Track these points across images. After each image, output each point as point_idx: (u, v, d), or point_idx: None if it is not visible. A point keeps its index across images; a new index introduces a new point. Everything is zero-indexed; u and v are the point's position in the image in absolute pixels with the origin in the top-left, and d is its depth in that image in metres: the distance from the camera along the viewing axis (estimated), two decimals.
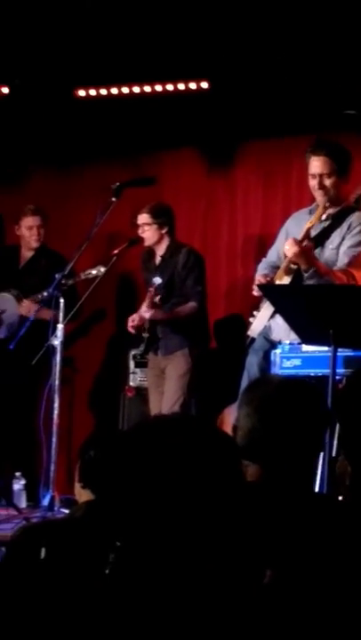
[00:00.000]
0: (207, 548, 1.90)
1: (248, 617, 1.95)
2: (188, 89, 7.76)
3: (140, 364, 7.52)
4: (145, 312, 6.85)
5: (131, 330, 7.01)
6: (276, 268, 6.41)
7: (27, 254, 7.69)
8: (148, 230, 7.08)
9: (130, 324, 7.00)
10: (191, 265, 7.05)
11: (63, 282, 6.59)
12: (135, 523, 1.94)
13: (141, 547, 1.94)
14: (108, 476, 3.14)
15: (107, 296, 7.98)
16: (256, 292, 6.02)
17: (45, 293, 6.53)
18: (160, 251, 7.15)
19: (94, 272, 6.76)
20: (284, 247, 5.90)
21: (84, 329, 8.06)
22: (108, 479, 3.10)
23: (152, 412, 7.06)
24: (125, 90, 7.92)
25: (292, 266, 5.86)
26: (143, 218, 7.09)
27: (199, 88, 7.72)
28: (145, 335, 6.97)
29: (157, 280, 6.86)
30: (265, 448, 2.67)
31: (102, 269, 6.70)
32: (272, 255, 6.48)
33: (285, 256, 5.94)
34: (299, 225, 6.23)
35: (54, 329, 6.41)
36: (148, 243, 7.13)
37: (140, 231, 7.10)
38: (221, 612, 1.89)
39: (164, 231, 7.09)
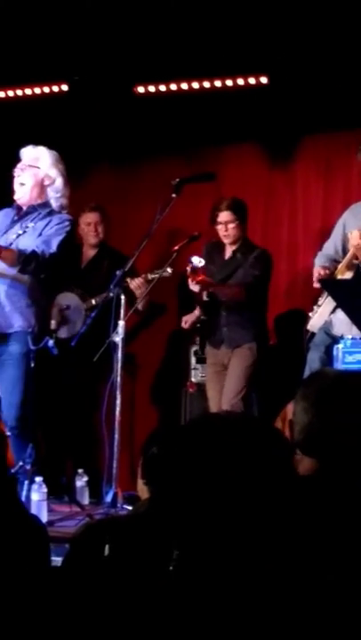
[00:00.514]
0: (264, 544, 1.89)
1: (309, 608, 1.94)
2: (247, 84, 7.73)
3: (202, 359, 7.52)
4: (193, 286, 6.85)
5: (183, 325, 7.07)
6: (333, 261, 6.37)
7: (88, 253, 7.72)
8: (233, 227, 7.08)
9: (183, 320, 7.07)
10: (259, 263, 7.04)
11: (124, 279, 6.59)
12: (194, 519, 1.93)
13: (202, 543, 1.93)
14: (169, 472, 3.14)
15: (168, 292, 7.98)
16: (317, 285, 6.00)
17: (111, 294, 6.53)
18: (233, 247, 7.15)
19: (161, 273, 6.73)
20: (351, 237, 5.87)
21: (145, 325, 8.07)
22: (169, 476, 3.10)
23: (211, 408, 7.05)
24: (185, 86, 7.92)
25: (355, 261, 5.82)
26: (226, 215, 7.08)
27: (258, 83, 7.69)
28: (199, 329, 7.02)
29: (195, 260, 6.79)
30: (322, 443, 2.65)
31: (169, 270, 6.68)
32: (329, 248, 6.44)
33: (344, 251, 5.91)
34: (356, 217, 6.19)
35: (115, 325, 6.42)
36: (231, 240, 7.12)
37: (222, 229, 7.09)
38: (282, 605, 1.89)
39: (244, 227, 7.11)
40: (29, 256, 6.22)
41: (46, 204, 6.54)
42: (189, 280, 6.83)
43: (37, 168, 6.51)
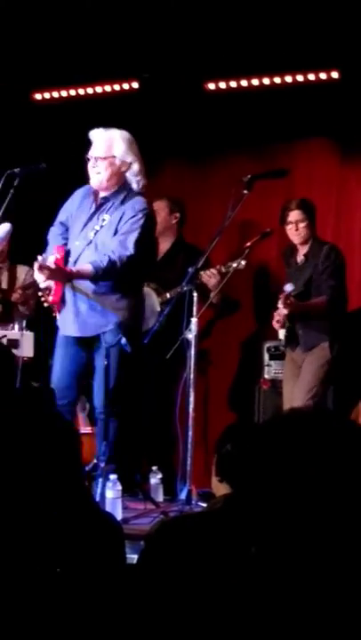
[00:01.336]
0: (346, 543, 1.88)
1: None
2: (318, 79, 7.69)
3: (275, 356, 7.50)
4: (281, 311, 6.91)
5: (275, 325, 7.06)
6: None
7: (163, 247, 7.73)
8: (303, 227, 7.07)
9: (275, 324, 7.06)
10: (330, 261, 7.01)
11: (196, 275, 6.60)
12: (273, 517, 1.92)
13: (281, 541, 1.92)
14: (245, 469, 3.13)
15: (241, 288, 7.96)
16: None
17: (185, 288, 6.54)
18: (303, 249, 7.13)
19: (235, 265, 6.75)
20: None
21: (218, 322, 8.07)
22: (245, 473, 3.09)
23: (285, 406, 7.03)
24: (255, 82, 7.90)
25: None
26: (296, 215, 7.07)
27: (330, 78, 7.65)
28: (286, 326, 7.01)
29: (288, 287, 6.87)
30: None
31: (243, 262, 6.69)
32: None
33: None
34: None
35: (188, 323, 6.42)
36: (301, 240, 7.11)
37: (292, 228, 7.08)
38: None
39: (313, 227, 7.09)
40: (107, 269, 6.22)
41: (120, 190, 6.49)
42: (280, 304, 6.85)
43: (113, 157, 6.45)
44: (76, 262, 6.38)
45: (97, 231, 6.34)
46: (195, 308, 6.45)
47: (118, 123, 7.76)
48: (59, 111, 8.37)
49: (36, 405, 1.99)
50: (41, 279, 6.39)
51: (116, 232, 6.35)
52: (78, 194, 6.64)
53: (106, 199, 6.46)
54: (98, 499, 6.00)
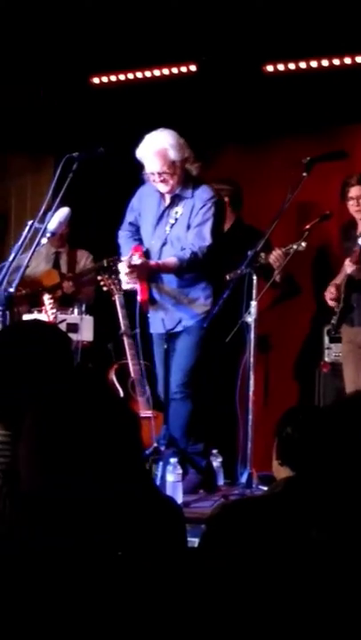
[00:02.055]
0: None
1: None
2: None
3: (335, 339, 7.45)
4: (348, 266, 6.83)
5: (330, 302, 7.00)
6: None
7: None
8: None
9: (328, 296, 6.99)
10: None
11: (256, 259, 6.58)
12: (334, 500, 1.91)
13: (342, 525, 1.91)
14: (307, 453, 3.11)
15: (300, 271, 7.92)
16: None
17: (245, 271, 6.53)
18: None
19: (295, 247, 6.72)
20: None
21: (277, 305, 8.04)
22: (307, 456, 3.08)
23: (347, 387, 6.99)
24: (314, 64, 7.84)
25: None
26: (357, 190, 7.03)
27: None
28: (340, 306, 6.94)
29: None
30: None
31: (303, 244, 6.66)
32: None
33: None
34: None
35: (248, 306, 6.41)
36: None
37: (353, 204, 7.03)
38: None
39: None
40: (191, 261, 6.33)
41: (186, 183, 6.53)
42: (349, 261, 6.80)
43: (173, 163, 6.47)
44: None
45: (172, 225, 6.42)
46: (254, 291, 6.43)
47: (176, 106, 7.76)
48: (117, 95, 8.37)
49: (94, 389, 1.99)
50: (126, 280, 6.48)
51: (189, 226, 6.42)
52: (143, 192, 6.71)
53: (175, 196, 6.51)
54: (158, 482, 6.02)
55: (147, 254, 6.57)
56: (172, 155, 6.44)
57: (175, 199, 6.52)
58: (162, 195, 6.56)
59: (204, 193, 6.48)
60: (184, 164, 6.48)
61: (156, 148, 6.46)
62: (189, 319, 6.50)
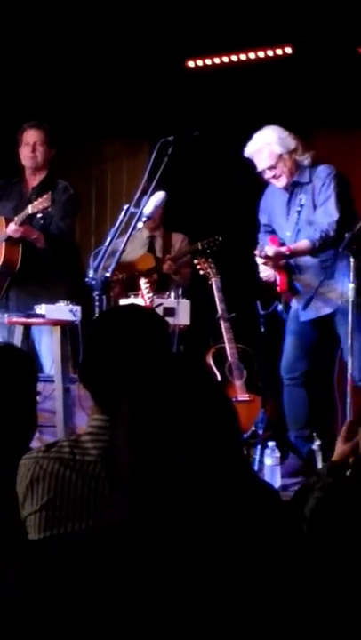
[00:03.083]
0: None
1: None
2: None
3: None
4: None
5: None
6: None
7: None
8: None
9: None
10: None
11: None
12: None
13: None
14: None
15: None
16: None
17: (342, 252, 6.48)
18: None
19: None
20: None
21: None
22: None
23: None
24: None
25: None
26: None
27: None
28: None
29: None
30: None
31: None
32: None
33: None
34: None
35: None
36: None
37: None
38: None
39: None
40: (322, 239, 6.30)
41: (302, 170, 6.51)
42: None
43: (279, 156, 6.45)
44: None
45: (299, 212, 6.41)
46: (351, 274, 6.36)
47: (273, 88, 7.71)
48: (211, 78, 8.35)
49: (191, 373, 1.98)
50: (264, 270, 6.48)
51: (315, 207, 6.39)
52: (267, 191, 6.76)
53: (295, 183, 6.50)
54: (256, 467, 6.02)
55: (282, 246, 6.56)
56: (277, 149, 6.43)
57: (295, 188, 6.51)
58: (283, 188, 6.55)
59: (321, 172, 6.47)
60: (292, 155, 6.46)
61: (259, 146, 6.47)
62: (328, 308, 6.46)
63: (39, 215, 6.69)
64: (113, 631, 1.72)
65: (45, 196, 6.62)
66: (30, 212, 6.62)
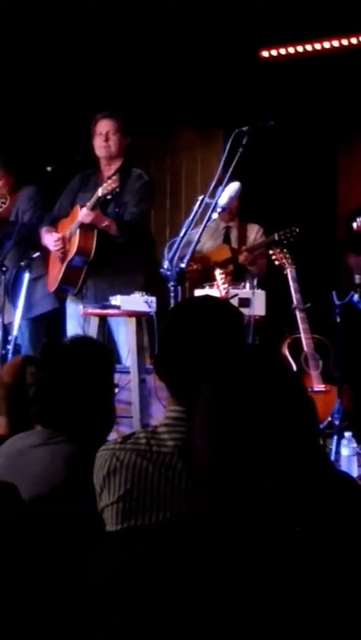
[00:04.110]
0: None
1: None
2: None
3: None
4: None
5: None
6: None
7: None
8: None
9: None
10: None
11: None
12: None
13: None
14: None
15: None
16: None
17: None
18: None
19: None
20: None
21: None
22: None
23: None
24: None
25: None
26: None
27: None
28: None
29: None
30: None
31: None
32: None
33: None
34: None
35: None
36: None
37: None
38: None
39: None
40: None
41: None
42: None
43: None
44: None
45: None
46: None
47: (346, 79, 7.64)
48: (286, 68, 8.31)
49: (268, 364, 1.98)
50: None
51: None
52: None
53: None
54: (333, 457, 5.98)
55: None
56: None
57: None
58: None
59: None
60: None
61: None
62: None
63: (111, 199, 6.70)
64: (191, 623, 1.72)
65: (114, 177, 6.65)
66: (100, 194, 6.64)
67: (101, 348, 3.32)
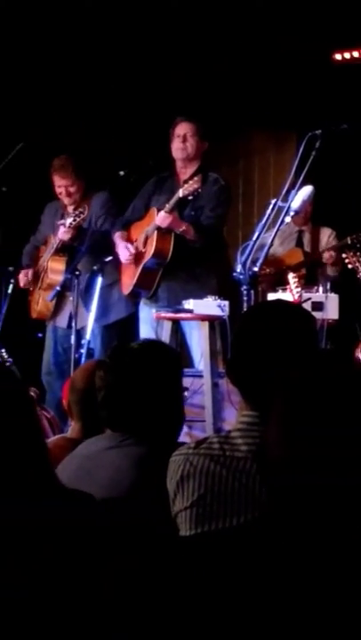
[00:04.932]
0: None
1: None
2: None
3: None
4: None
5: None
6: None
7: None
8: None
9: None
10: None
11: None
12: None
13: None
14: None
15: None
16: None
17: None
18: None
19: None
20: None
21: None
22: None
23: None
24: None
25: None
26: None
27: None
28: None
29: None
30: None
31: None
32: None
33: None
34: None
35: None
36: None
37: None
38: None
39: None
40: None
41: None
42: None
43: None
44: None
45: None
46: None
47: None
48: (359, 71, 8.26)
49: (341, 368, 1.97)
50: None
51: None
52: None
53: None
54: None
55: None
56: None
57: None
58: None
59: None
60: None
61: None
62: None
63: (188, 202, 6.70)
64: (268, 628, 1.72)
65: (195, 178, 6.65)
66: (181, 195, 6.64)
67: (169, 351, 3.32)
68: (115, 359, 3.12)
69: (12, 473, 2.11)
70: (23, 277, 7.48)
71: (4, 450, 2.11)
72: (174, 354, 3.28)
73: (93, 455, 3.04)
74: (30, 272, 7.51)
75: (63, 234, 7.19)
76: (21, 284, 7.48)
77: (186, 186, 6.63)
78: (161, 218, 6.68)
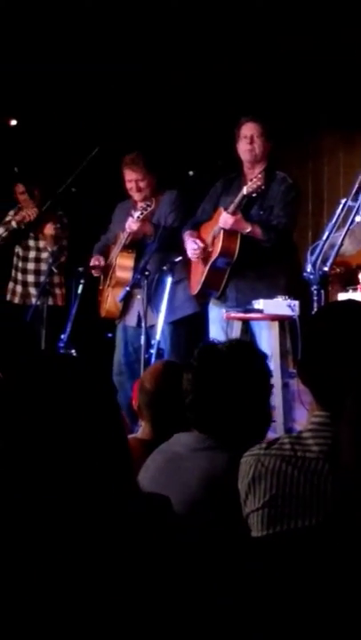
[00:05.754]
0: None
1: None
2: None
3: None
4: None
5: None
6: None
7: None
8: None
9: None
10: None
11: None
12: None
13: None
14: None
15: None
16: None
17: None
18: None
19: None
20: None
21: None
22: None
23: None
24: None
25: None
26: None
27: None
28: None
29: None
30: None
31: None
32: None
33: None
34: None
35: None
36: None
37: None
38: None
39: None
40: None
41: None
42: None
43: None
44: None
45: None
46: None
47: None
48: None
49: None
50: None
51: None
52: None
53: None
54: None
55: None
56: None
57: None
58: None
59: None
60: None
61: None
62: None
63: (255, 202, 6.67)
64: (337, 626, 1.71)
65: (259, 176, 6.62)
66: (245, 192, 6.62)
67: (258, 352, 3.26)
68: (202, 361, 3.09)
69: (97, 467, 1.95)
70: (95, 261, 7.48)
71: (90, 441, 1.93)
72: (263, 355, 3.23)
73: (179, 456, 3.02)
74: (102, 259, 7.52)
75: (131, 224, 7.20)
76: (93, 270, 7.48)
77: (250, 183, 6.61)
78: (223, 219, 6.65)
